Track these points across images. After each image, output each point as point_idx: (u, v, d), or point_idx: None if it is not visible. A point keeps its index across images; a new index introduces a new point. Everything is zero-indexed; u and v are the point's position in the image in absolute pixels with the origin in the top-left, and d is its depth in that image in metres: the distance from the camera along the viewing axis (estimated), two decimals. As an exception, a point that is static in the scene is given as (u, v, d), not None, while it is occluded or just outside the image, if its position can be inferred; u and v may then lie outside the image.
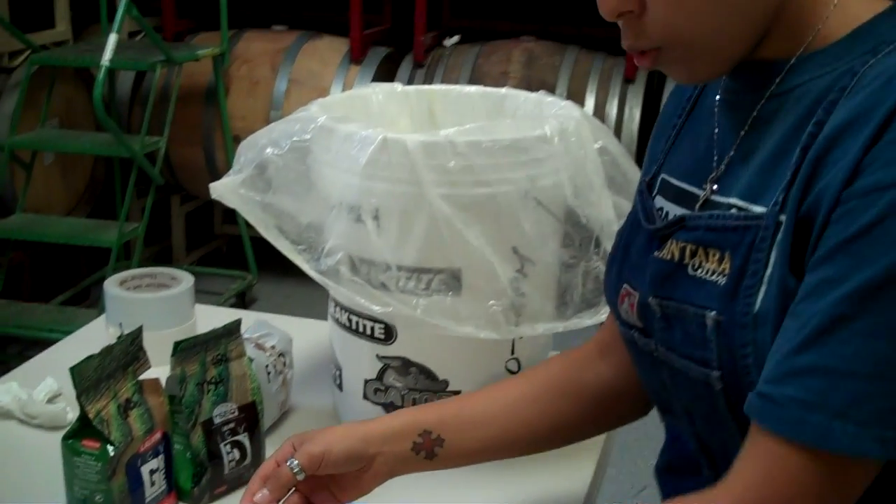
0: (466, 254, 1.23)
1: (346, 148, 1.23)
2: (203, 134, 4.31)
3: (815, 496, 0.80)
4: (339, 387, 1.40)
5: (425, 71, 4.33)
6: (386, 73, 4.30)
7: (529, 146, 1.24)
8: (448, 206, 1.21)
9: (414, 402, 1.33)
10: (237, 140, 2.02)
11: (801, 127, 0.86)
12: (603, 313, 1.31)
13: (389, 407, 1.34)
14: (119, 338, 1.14)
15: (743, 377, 0.86)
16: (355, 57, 4.30)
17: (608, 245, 1.26)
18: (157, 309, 1.51)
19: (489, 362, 1.33)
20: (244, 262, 4.37)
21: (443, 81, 4.16)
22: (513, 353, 1.35)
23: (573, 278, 1.32)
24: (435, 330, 1.24)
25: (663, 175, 1.05)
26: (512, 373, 1.35)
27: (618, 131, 4.01)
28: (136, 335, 1.16)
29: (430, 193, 1.21)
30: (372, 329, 1.31)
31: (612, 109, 4.07)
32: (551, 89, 3.92)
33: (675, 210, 1.00)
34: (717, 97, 0.99)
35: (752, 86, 0.93)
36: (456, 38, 4.54)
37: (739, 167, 0.93)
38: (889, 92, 0.79)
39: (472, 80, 4.09)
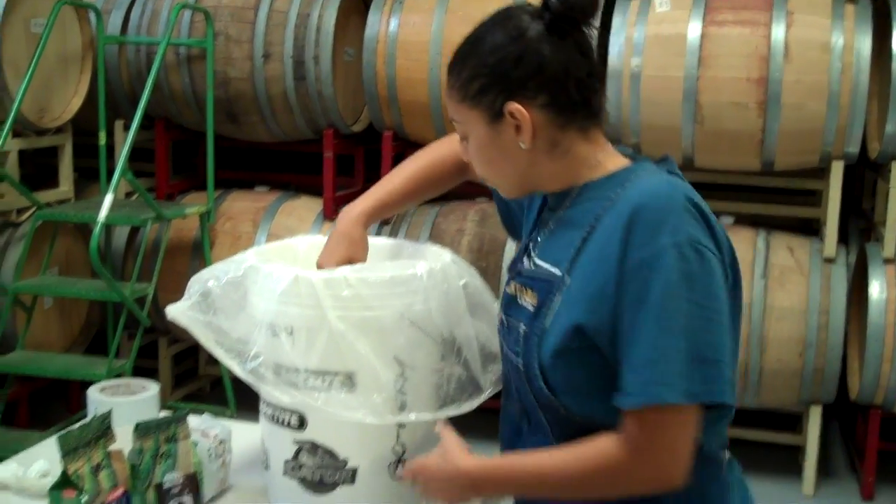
0: (358, 360, 1.66)
1: (267, 282, 1.67)
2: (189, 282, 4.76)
3: (655, 442, 1.33)
4: (266, 467, 1.81)
5: (391, 227, 4.80)
6: (355, 228, 4.77)
7: (404, 281, 1.68)
8: (343, 325, 1.64)
9: (321, 478, 1.73)
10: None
11: (582, 227, 1.44)
12: (465, 408, 1.73)
13: (304, 482, 1.74)
14: (94, 418, 1.57)
15: (531, 364, 1.44)
16: (328, 215, 4.81)
17: (469, 355, 1.71)
18: (128, 409, 1.92)
19: (378, 445, 1.74)
20: (225, 399, 4.75)
21: (406, 237, 4.62)
22: (398, 438, 1.75)
23: (443, 380, 1.74)
24: (333, 416, 1.65)
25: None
26: (397, 455, 1.76)
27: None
28: (107, 416, 1.58)
29: (329, 315, 1.64)
30: (289, 419, 1.73)
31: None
32: (501, 245, 4.41)
33: (524, 263, 1.56)
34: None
35: (556, 202, 1.53)
36: (419, 198, 5.01)
37: (549, 246, 1.51)
38: (624, 209, 1.37)
39: (432, 236, 4.56)
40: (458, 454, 1.52)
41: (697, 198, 1.39)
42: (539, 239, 1.55)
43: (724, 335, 1.35)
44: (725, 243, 1.41)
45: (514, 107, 1.42)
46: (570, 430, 1.43)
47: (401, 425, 1.74)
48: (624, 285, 1.34)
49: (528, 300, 1.49)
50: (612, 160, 1.49)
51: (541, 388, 1.44)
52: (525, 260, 1.57)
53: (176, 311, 1.70)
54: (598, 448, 1.38)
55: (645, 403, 1.31)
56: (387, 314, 1.66)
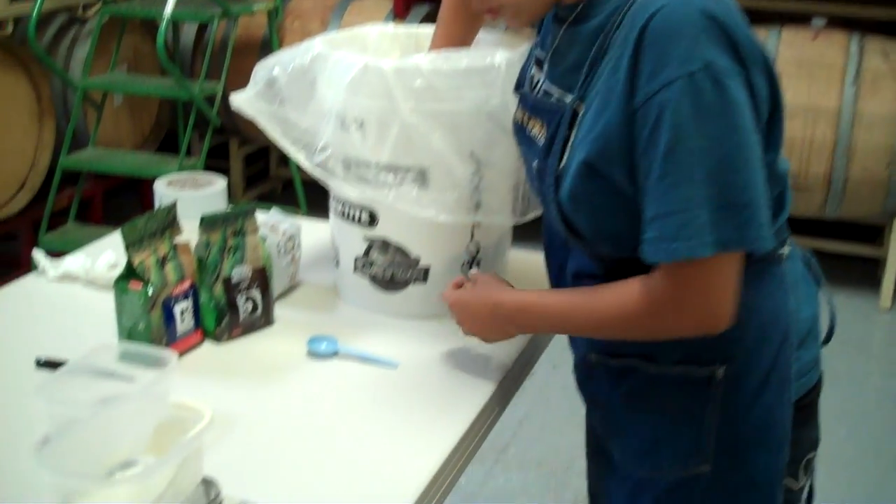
0: (431, 155, 1.57)
1: (335, 70, 1.58)
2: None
3: (689, 296, 1.20)
4: (337, 264, 1.76)
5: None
6: (427, 29, 4.62)
7: (481, 72, 1.57)
8: (416, 117, 1.55)
9: (392, 276, 1.68)
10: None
11: (593, 44, 1.24)
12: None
13: (375, 279, 1.69)
14: (159, 209, 1.51)
15: (549, 205, 1.32)
16: (398, 14, 4.64)
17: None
18: (195, 203, 1.87)
19: (452, 245, 1.68)
20: (296, 201, 4.75)
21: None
22: (472, 237, 1.69)
23: (520, 181, 1.65)
24: (404, 213, 1.59)
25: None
26: (471, 254, 1.69)
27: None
28: (172, 207, 1.52)
29: (401, 107, 1.55)
30: (359, 215, 1.66)
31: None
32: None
33: (532, 86, 1.40)
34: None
35: (567, 12, 1.30)
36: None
37: (558, 67, 1.33)
38: (633, 29, 1.17)
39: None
40: (494, 286, 1.46)
41: (719, 9, 1.16)
42: (546, 57, 1.36)
43: (754, 172, 1.17)
44: (759, 58, 1.19)
45: None
46: (612, 267, 1.33)
47: (475, 225, 1.67)
48: (634, 127, 1.17)
49: (537, 132, 1.34)
50: None
51: (564, 230, 1.32)
52: (532, 79, 1.41)
53: (241, 101, 1.62)
54: (619, 295, 1.26)
55: (669, 260, 1.18)
56: (462, 107, 1.56)
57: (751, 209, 1.16)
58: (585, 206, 1.27)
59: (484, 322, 1.45)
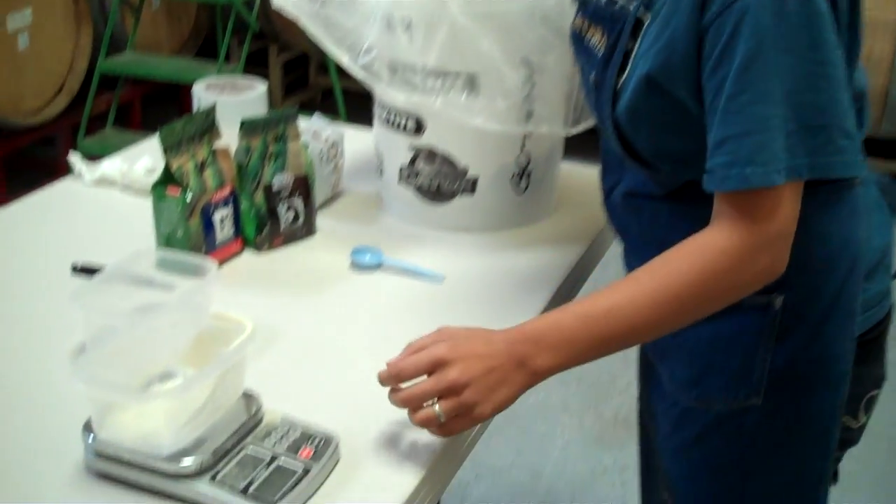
0: (481, 60, 1.49)
1: (383, -33, 1.49)
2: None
3: (759, 227, 1.08)
4: (381, 173, 1.70)
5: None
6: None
7: (536, -30, 1.49)
8: (465, 19, 1.47)
9: (439, 187, 1.62)
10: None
11: None
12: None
13: (420, 190, 1.63)
14: (197, 112, 1.45)
15: (605, 122, 1.22)
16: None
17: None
18: (235, 108, 1.81)
19: (501, 155, 1.61)
20: (336, 110, 4.67)
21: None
22: (523, 148, 1.62)
23: (574, 89, 1.57)
24: (452, 121, 1.51)
25: None
26: (521, 166, 1.62)
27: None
28: (211, 111, 1.46)
29: (450, 7, 1.47)
30: (405, 122, 1.59)
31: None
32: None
33: None
34: None
35: None
36: None
37: None
38: None
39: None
40: (482, 330, 1.12)
41: None
42: None
43: (837, 91, 1.06)
44: None
45: None
46: (672, 190, 1.24)
47: (526, 135, 1.60)
48: (705, 39, 1.06)
49: (597, 41, 1.23)
50: None
51: (620, 148, 1.23)
52: None
53: (283, 0, 1.54)
54: (682, 259, 1.10)
55: (742, 187, 1.06)
56: (514, 8, 1.48)
57: (829, 132, 1.06)
58: (645, 124, 1.18)
59: (489, 360, 1.06)
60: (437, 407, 1.05)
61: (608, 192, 1.37)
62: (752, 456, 1.27)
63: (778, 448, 1.27)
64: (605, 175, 1.39)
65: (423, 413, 1.05)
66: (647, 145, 1.20)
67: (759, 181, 1.05)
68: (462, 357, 1.06)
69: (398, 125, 1.61)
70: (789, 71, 1.03)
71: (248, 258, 1.53)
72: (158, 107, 4.79)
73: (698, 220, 1.12)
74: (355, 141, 1.86)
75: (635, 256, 1.37)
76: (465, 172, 1.61)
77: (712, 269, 1.09)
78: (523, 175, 1.63)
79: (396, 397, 1.08)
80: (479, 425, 1.13)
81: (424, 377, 1.06)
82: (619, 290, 1.11)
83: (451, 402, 1.04)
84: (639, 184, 1.29)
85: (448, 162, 1.60)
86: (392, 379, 1.08)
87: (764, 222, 1.08)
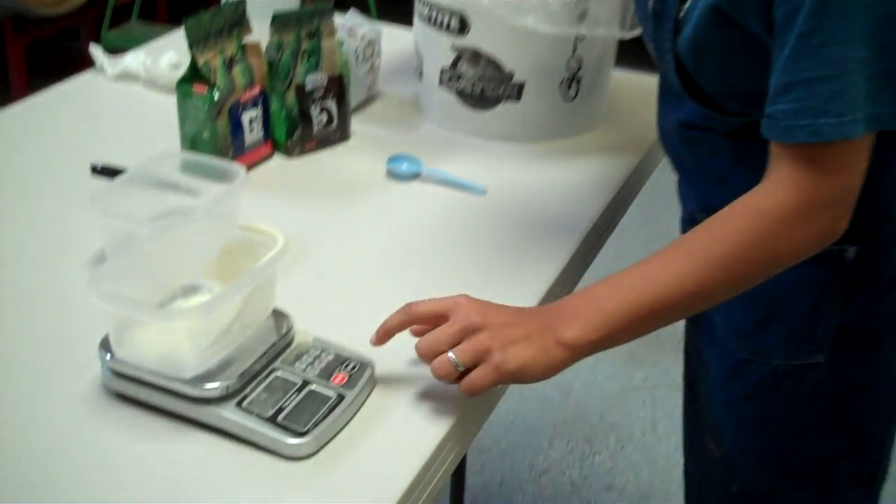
0: (534, -46, 1.38)
1: None
2: None
3: (825, 182, 0.95)
4: (420, 75, 1.59)
5: None
6: None
7: None
8: None
9: (482, 91, 1.51)
10: None
11: None
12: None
13: (462, 94, 1.52)
14: (226, 3, 1.34)
15: (664, 53, 1.10)
16: None
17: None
18: (265, 1, 1.70)
19: (550, 59, 1.50)
20: (367, 8, 4.53)
21: None
22: (574, 52, 1.50)
23: (633, -13, 1.45)
24: (499, 20, 1.40)
25: None
26: (571, 71, 1.51)
27: None
28: (241, 2, 1.35)
29: None
30: (449, 21, 1.48)
31: None
32: None
33: None
34: None
35: None
36: None
37: None
38: None
39: None
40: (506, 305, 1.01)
41: None
42: None
43: None
44: None
45: None
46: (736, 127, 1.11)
47: (578, 37, 1.48)
48: None
49: None
50: None
51: (680, 85, 1.10)
52: None
53: None
54: (739, 216, 0.97)
55: (815, 139, 0.92)
56: None
57: None
58: (711, 59, 1.05)
59: (514, 321, 0.97)
60: (451, 354, 0.95)
61: (663, 118, 1.26)
62: (811, 416, 1.18)
63: (840, 409, 1.18)
64: (661, 101, 1.26)
65: (438, 360, 0.96)
66: (712, 83, 1.08)
67: (834, 134, 0.92)
68: (480, 308, 0.97)
69: (440, 23, 1.49)
70: (871, 7, 0.90)
71: (278, 163, 1.44)
72: (185, 1, 4.65)
73: (764, 160, 0.99)
74: (393, 40, 1.75)
75: (690, 189, 1.26)
76: (510, 76, 1.50)
77: (762, 231, 0.96)
78: (573, 81, 1.52)
79: (416, 349, 0.98)
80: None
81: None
82: (657, 257, 0.99)
83: (466, 345, 0.94)
84: (698, 116, 1.16)
85: (493, 65, 1.49)
86: (406, 318, 0.99)
87: (830, 177, 0.96)
